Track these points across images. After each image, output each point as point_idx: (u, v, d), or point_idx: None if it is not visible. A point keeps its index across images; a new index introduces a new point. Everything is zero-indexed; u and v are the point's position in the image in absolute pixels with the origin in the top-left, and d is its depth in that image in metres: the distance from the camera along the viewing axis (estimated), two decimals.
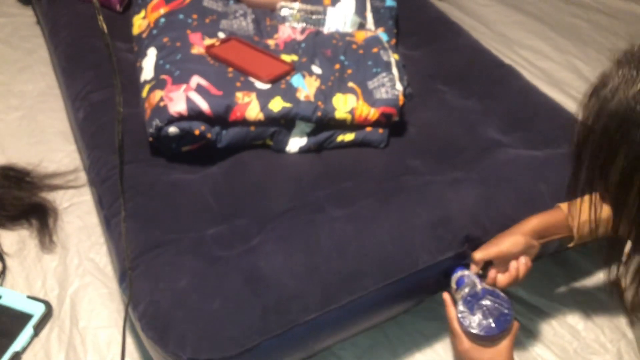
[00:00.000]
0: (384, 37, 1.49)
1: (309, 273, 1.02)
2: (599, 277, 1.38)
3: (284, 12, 1.52)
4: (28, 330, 1.21)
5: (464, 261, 1.08)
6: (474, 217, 1.13)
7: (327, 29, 1.51)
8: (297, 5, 1.53)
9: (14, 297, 1.26)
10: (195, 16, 1.43)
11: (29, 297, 1.27)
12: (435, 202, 1.14)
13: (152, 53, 1.34)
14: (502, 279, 1.03)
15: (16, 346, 1.19)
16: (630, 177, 0.65)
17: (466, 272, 1.05)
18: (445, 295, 1.04)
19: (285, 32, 1.48)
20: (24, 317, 1.23)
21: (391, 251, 1.07)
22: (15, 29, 2.03)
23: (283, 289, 1.00)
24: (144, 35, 1.43)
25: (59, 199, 1.48)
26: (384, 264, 1.05)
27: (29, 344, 1.21)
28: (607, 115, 0.64)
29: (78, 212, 1.46)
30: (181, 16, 1.42)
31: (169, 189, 1.18)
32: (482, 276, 1.06)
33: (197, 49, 1.33)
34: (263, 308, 0.97)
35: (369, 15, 1.59)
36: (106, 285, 1.31)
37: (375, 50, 1.39)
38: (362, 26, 1.54)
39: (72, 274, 1.33)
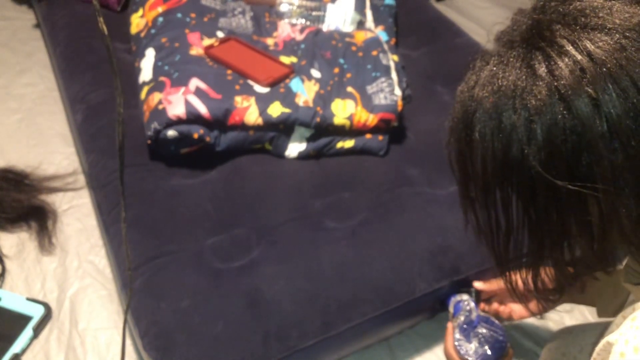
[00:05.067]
0: (383, 36, 1.48)
1: (310, 300, 1.02)
2: None
3: (283, 7, 1.51)
4: (27, 332, 1.22)
5: (462, 289, 1.10)
6: (473, 246, 1.12)
7: (326, 26, 1.51)
8: (297, 1, 1.52)
9: (14, 299, 1.27)
10: (193, 15, 1.42)
11: (28, 299, 1.27)
12: (434, 227, 1.14)
13: (150, 54, 1.34)
14: (501, 310, 1.02)
15: (15, 348, 1.19)
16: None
17: (464, 297, 1.07)
18: (449, 325, 1.04)
19: (285, 30, 1.47)
20: (24, 319, 1.23)
21: (390, 279, 1.07)
22: (13, 32, 2.03)
23: (284, 315, 1.00)
24: (142, 34, 1.42)
25: (58, 201, 1.48)
26: (382, 291, 1.06)
27: (28, 345, 1.22)
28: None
29: (77, 214, 1.46)
30: (179, 15, 1.41)
31: (168, 196, 1.18)
32: (478, 300, 1.07)
33: (196, 50, 1.33)
34: (264, 334, 0.98)
35: (369, 13, 1.58)
36: (105, 287, 1.32)
37: (374, 53, 1.38)
38: (361, 24, 1.54)
39: (71, 276, 1.34)
